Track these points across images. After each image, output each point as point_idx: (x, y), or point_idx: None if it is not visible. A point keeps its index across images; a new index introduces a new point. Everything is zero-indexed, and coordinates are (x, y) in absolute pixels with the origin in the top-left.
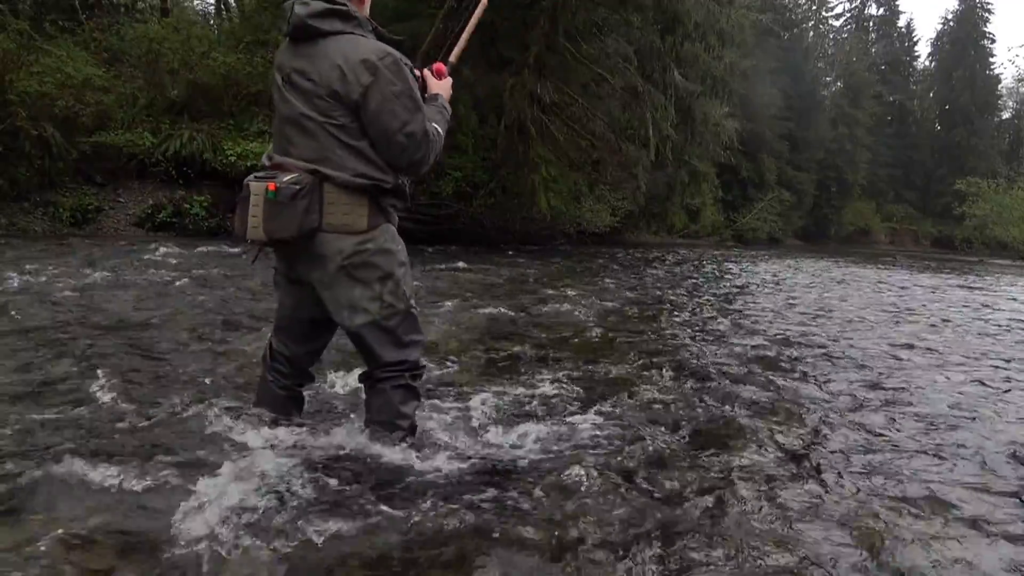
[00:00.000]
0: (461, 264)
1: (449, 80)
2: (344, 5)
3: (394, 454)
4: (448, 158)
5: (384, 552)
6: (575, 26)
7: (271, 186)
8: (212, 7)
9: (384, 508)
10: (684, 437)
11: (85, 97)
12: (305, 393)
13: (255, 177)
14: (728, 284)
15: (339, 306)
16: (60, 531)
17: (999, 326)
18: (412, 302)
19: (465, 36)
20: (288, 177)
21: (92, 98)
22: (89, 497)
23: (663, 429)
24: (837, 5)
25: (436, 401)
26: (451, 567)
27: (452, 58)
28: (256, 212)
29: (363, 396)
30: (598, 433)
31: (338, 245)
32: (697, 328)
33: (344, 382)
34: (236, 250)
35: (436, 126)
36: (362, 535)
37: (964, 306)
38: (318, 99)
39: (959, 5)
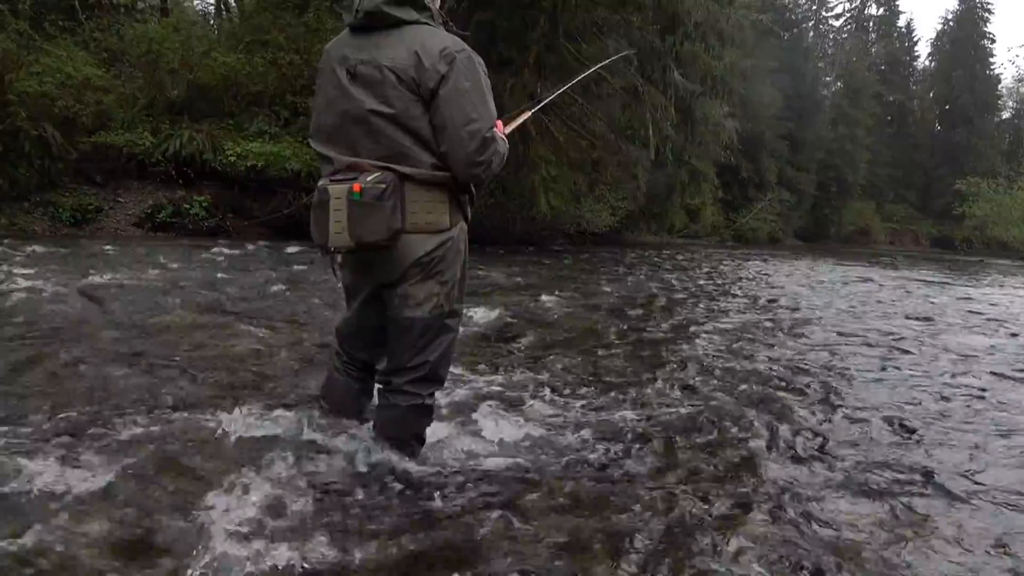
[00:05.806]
0: None
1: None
2: None
3: (402, 460)
4: None
5: (393, 555)
6: (575, 26)
7: (356, 187)
8: (212, 7)
9: (392, 511)
10: (687, 435)
11: (85, 97)
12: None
13: (330, 180)
14: (730, 283)
15: (398, 298)
16: (70, 536)
17: None
18: (458, 307)
19: (524, 116)
20: (372, 176)
21: (92, 98)
22: (98, 500)
23: (666, 428)
24: (837, 5)
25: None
26: (459, 569)
27: (507, 129)
28: (339, 217)
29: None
30: (602, 432)
31: (422, 246)
32: (699, 327)
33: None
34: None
35: (502, 140)
36: (371, 540)
37: None
38: (392, 88)
39: (959, 5)
